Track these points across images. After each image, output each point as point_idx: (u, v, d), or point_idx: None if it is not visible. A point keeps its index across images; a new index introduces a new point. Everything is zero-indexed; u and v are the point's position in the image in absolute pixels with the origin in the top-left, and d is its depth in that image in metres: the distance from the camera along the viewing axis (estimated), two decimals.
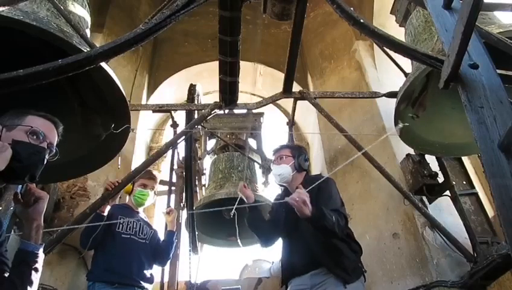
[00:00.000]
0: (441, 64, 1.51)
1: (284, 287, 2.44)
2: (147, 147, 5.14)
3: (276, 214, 2.52)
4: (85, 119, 2.28)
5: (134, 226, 2.87)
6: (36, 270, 1.24)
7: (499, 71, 1.42)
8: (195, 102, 3.38)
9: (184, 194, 3.49)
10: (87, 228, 2.66)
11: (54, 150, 1.38)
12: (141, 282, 2.72)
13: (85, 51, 1.82)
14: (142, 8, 5.27)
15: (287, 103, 4.33)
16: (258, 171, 3.96)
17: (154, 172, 3.25)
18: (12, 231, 2.21)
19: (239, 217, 2.71)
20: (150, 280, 2.82)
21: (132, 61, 4.65)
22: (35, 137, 1.31)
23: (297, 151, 2.56)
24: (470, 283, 2.68)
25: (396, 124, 2.72)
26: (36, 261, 1.24)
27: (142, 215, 3.06)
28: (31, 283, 1.20)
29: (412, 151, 3.34)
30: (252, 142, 4.19)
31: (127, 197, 3.14)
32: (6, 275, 1.20)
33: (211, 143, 4.24)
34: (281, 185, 2.59)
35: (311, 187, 2.11)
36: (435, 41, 2.51)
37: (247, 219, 2.52)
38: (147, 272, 2.81)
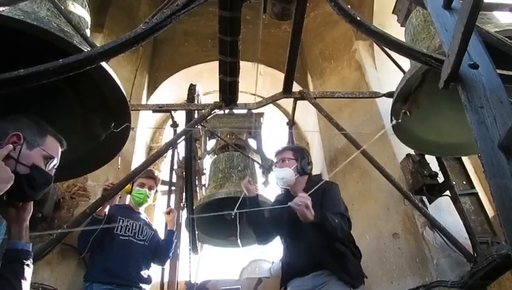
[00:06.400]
0: (440, 64, 1.51)
1: (283, 288, 2.43)
2: (147, 147, 5.13)
3: (277, 213, 2.50)
4: (85, 119, 2.28)
5: (134, 228, 2.87)
6: (28, 266, 1.26)
7: (499, 71, 1.42)
8: (195, 102, 3.38)
9: (184, 194, 3.49)
10: (84, 232, 2.66)
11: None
12: (139, 283, 2.72)
13: (85, 50, 1.82)
14: (142, 8, 5.26)
15: (287, 102, 4.33)
16: (258, 171, 3.95)
17: (155, 172, 3.25)
18: None
19: (240, 218, 2.70)
20: (148, 281, 2.83)
21: (132, 61, 4.65)
22: (49, 164, 1.33)
23: (300, 154, 2.54)
24: (470, 283, 2.68)
25: (391, 121, 2.72)
26: (28, 258, 1.27)
27: (143, 215, 3.06)
28: (25, 279, 1.22)
29: (412, 151, 3.34)
30: (252, 142, 4.19)
31: (127, 197, 3.14)
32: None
33: (211, 143, 4.24)
34: (283, 188, 2.59)
35: (313, 189, 2.12)
36: (431, 40, 2.51)
37: (246, 214, 2.49)
38: (144, 273, 2.81)
